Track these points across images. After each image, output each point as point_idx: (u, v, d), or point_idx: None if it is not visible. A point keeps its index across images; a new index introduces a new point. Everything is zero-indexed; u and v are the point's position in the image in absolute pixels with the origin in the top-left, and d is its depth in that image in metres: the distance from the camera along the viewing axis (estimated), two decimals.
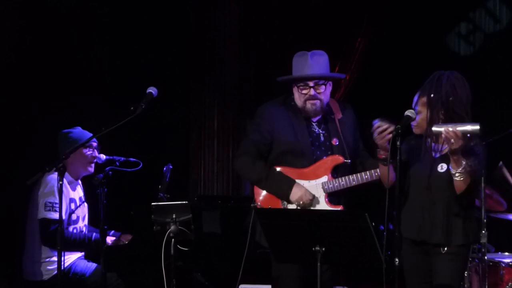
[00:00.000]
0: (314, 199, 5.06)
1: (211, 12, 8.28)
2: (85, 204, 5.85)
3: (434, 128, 4.48)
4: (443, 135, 4.44)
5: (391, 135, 4.54)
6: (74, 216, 5.73)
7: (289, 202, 5.06)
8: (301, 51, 5.17)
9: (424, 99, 4.62)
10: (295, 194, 5.03)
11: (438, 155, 4.66)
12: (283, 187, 5.06)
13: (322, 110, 5.15)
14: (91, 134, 5.73)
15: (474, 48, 8.37)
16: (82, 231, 5.79)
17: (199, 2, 8.34)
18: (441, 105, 4.55)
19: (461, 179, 4.46)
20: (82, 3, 7.37)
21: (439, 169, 4.62)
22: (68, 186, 5.72)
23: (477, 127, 4.40)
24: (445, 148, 4.62)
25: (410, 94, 4.82)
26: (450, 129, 4.38)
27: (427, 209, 4.62)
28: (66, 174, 5.65)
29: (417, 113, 4.64)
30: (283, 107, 5.19)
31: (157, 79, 5.67)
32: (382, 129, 4.55)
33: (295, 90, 5.14)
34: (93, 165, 5.79)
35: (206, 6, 8.32)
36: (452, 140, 4.38)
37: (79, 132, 5.78)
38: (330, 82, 5.16)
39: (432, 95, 4.57)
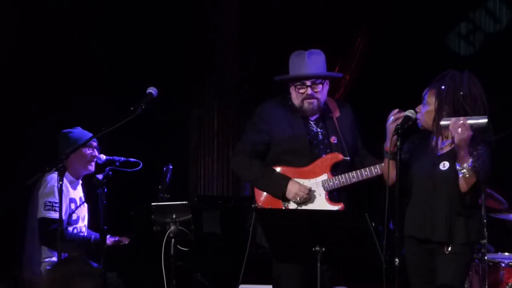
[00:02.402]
0: (314, 197, 5.06)
1: (211, 12, 8.28)
2: (85, 204, 5.85)
3: (442, 122, 4.50)
4: (450, 127, 4.45)
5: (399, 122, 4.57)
6: (74, 216, 5.73)
7: (285, 200, 5.06)
8: (298, 50, 5.17)
9: (434, 90, 4.62)
10: (290, 191, 5.03)
11: (440, 153, 4.67)
12: (278, 185, 5.06)
13: (320, 109, 5.15)
14: (91, 134, 5.73)
15: (474, 48, 8.36)
16: (81, 231, 5.79)
17: (199, 2, 8.34)
18: (451, 98, 4.55)
19: (467, 176, 4.46)
20: (82, 3, 7.37)
21: (441, 167, 4.62)
22: (69, 186, 5.72)
23: (484, 120, 4.43)
24: (446, 144, 4.63)
25: (410, 94, 4.82)
26: (460, 120, 4.41)
27: (429, 207, 4.62)
28: (67, 173, 5.65)
29: (425, 105, 4.64)
30: (281, 106, 5.20)
31: (157, 79, 5.66)
32: (400, 115, 4.58)
33: (292, 89, 5.15)
34: (93, 163, 5.79)
35: (206, 6, 8.31)
36: (459, 129, 4.38)
37: (79, 132, 5.78)
38: (327, 81, 5.16)
39: (443, 87, 4.58)
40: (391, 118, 4.61)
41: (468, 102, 4.55)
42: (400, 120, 4.57)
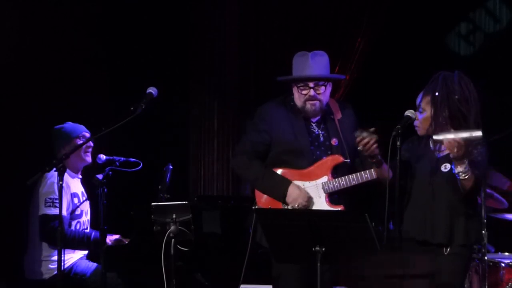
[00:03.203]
0: (314, 200, 5.06)
1: (211, 12, 8.27)
2: (87, 198, 5.87)
3: (435, 137, 4.48)
4: (444, 145, 4.44)
5: (376, 145, 4.56)
6: (78, 211, 5.74)
7: (286, 203, 5.06)
8: (302, 51, 5.16)
9: (429, 97, 4.60)
10: (290, 195, 5.02)
11: (441, 154, 4.66)
12: (278, 188, 5.05)
13: (322, 111, 5.14)
14: (82, 126, 5.84)
15: (474, 48, 8.36)
16: (84, 225, 5.80)
17: (199, 2, 8.34)
18: (446, 103, 4.54)
19: (466, 177, 4.45)
20: (82, 3, 7.37)
21: (442, 168, 4.62)
22: (69, 181, 5.73)
23: (479, 133, 4.39)
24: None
25: (410, 94, 4.82)
26: (452, 136, 4.37)
27: (429, 209, 4.61)
28: (68, 170, 5.66)
29: (421, 112, 4.63)
30: (283, 107, 5.19)
31: (157, 79, 5.66)
32: (366, 141, 4.56)
33: (295, 90, 5.14)
34: (89, 154, 5.81)
35: (206, 6, 8.31)
36: (455, 149, 4.37)
37: (70, 126, 5.87)
38: (330, 83, 5.16)
39: (436, 93, 4.56)
40: (360, 147, 4.60)
41: (464, 105, 4.54)
42: (367, 145, 4.56)
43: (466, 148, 4.38)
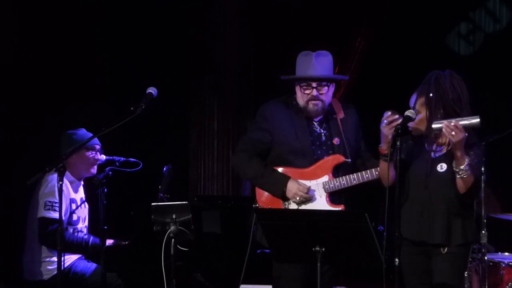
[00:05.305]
0: (315, 198, 5.06)
1: (211, 12, 8.28)
2: (86, 205, 5.85)
3: (434, 125, 4.49)
4: (443, 130, 4.44)
5: (397, 127, 4.53)
6: (74, 217, 5.73)
7: (285, 199, 5.06)
8: (306, 51, 5.15)
9: (423, 99, 4.61)
10: (290, 190, 5.02)
11: (437, 155, 4.66)
12: (278, 184, 5.05)
13: (324, 111, 5.14)
14: (95, 138, 5.74)
15: (474, 48, 8.37)
16: (82, 231, 5.79)
17: (199, 2, 8.34)
18: (440, 104, 4.55)
19: (465, 176, 4.46)
20: (82, 4, 7.37)
21: (438, 169, 4.62)
22: (70, 186, 5.72)
23: (477, 120, 4.41)
24: (444, 148, 4.62)
25: (410, 94, 4.82)
26: (452, 122, 4.39)
27: (426, 209, 4.61)
28: (68, 174, 5.66)
29: (416, 114, 4.63)
30: (285, 107, 5.19)
31: (157, 79, 5.66)
32: (393, 118, 4.54)
33: (297, 89, 5.14)
34: (95, 167, 5.80)
35: (205, 6, 8.31)
36: (453, 132, 4.37)
37: (82, 134, 5.78)
38: (333, 83, 5.15)
39: (431, 95, 4.57)
40: (384, 121, 4.58)
41: (457, 103, 4.55)
42: (394, 123, 4.54)
43: (465, 133, 4.39)
